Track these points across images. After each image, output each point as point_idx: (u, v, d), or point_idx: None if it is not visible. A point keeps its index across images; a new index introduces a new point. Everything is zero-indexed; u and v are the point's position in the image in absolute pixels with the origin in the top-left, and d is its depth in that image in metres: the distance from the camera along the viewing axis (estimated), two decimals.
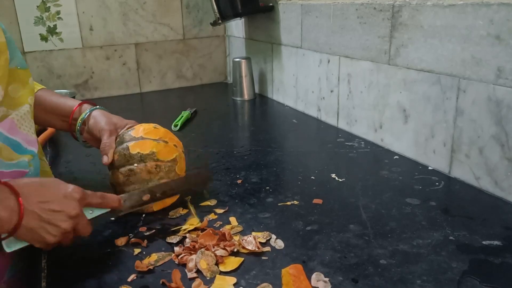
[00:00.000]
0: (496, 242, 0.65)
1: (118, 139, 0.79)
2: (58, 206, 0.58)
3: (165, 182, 0.76)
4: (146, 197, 0.72)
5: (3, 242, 0.56)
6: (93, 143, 0.84)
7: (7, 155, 0.63)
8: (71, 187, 0.61)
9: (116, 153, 0.77)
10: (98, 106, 0.85)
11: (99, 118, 0.81)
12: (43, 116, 0.84)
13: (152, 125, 0.81)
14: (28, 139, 0.67)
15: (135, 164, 0.74)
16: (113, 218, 0.75)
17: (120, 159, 0.76)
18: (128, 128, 0.81)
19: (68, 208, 0.59)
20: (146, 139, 0.77)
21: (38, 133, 1.13)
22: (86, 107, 0.84)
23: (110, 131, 0.79)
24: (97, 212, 0.65)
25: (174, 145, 0.79)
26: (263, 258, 0.63)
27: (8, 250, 0.57)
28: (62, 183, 0.61)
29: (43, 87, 0.87)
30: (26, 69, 0.72)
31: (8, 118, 0.64)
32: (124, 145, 0.76)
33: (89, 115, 0.83)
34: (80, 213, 0.60)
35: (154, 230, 0.71)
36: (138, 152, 0.75)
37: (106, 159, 0.76)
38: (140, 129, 0.79)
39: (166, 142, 0.78)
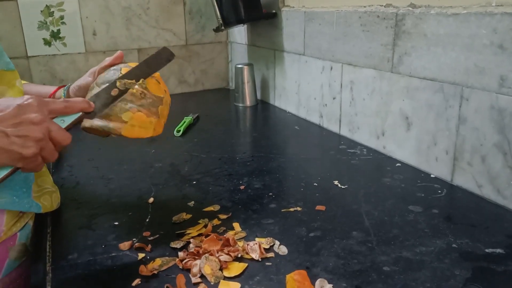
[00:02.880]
0: (498, 250, 0.65)
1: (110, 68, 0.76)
2: (18, 118, 0.55)
3: (128, 70, 0.72)
4: (114, 92, 0.68)
5: None
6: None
7: None
8: (25, 97, 0.57)
9: (106, 72, 0.74)
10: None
11: (77, 83, 0.80)
12: None
13: (134, 63, 0.78)
14: None
15: (122, 83, 0.70)
16: (116, 223, 0.75)
17: (108, 77, 0.73)
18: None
19: (29, 115, 0.56)
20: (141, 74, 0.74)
21: None
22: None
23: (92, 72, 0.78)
24: (69, 120, 0.62)
25: (165, 90, 0.77)
26: (266, 264, 0.63)
27: None
28: (14, 98, 0.58)
29: (26, 82, 0.87)
30: (13, 71, 0.72)
31: None
32: (118, 67, 0.74)
33: (68, 90, 0.82)
34: (45, 118, 0.57)
35: (158, 235, 0.72)
36: (129, 77, 0.72)
37: (115, 57, 0.75)
38: (137, 63, 0.77)
39: (159, 82, 0.76)
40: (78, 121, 0.65)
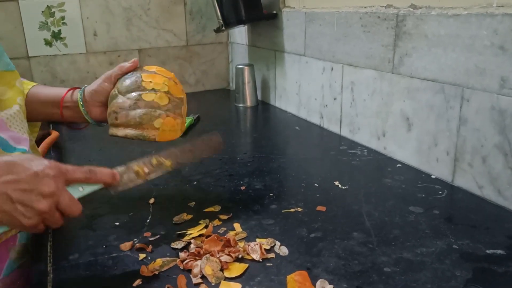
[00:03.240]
0: (499, 251, 0.65)
1: (127, 74, 0.79)
2: (29, 185, 0.52)
3: (169, 150, 0.72)
4: (147, 168, 0.66)
5: None
6: (105, 114, 0.80)
7: None
8: (45, 163, 0.55)
9: (126, 79, 0.77)
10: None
11: (92, 87, 0.80)
12: (41, 109, 0.82)
13: (163, 69, 0.82)
14: (17, 137, 0.66)
15: (146, 91, 0.74)
16: (117, 223, 0.75)
17: (129, 84, 0.75)
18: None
19: (41, 186, 0.53)
20: (159, 74, 0.78)
21: (41, 139, 1.14)
22: (77, 90, 0.82)
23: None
24: (88, 189, 0.60)
25: (182, 90, 0.82)
26: (267, 264, 0.63)
27: None
28: (36, 159, 0.55)
29: (36, 83, 0.86)
30: (13, 71, 0.72)
31: None
32: (138, 73, 0.77)
33: (84, 92, 0.80)
34: (57, 190, 0.54)
35: (158, 236, 0.72)
36: (151, 81, 0.75)
37: (131, 63, 0.78)
38: (153, 67, 0.80)
39: (176, 83, 0.80)
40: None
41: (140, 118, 0.73)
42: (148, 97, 0.74)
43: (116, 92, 0.76)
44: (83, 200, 0.60)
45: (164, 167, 0.68)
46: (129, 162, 0.67)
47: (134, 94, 0.74)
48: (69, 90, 0.83)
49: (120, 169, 0.65)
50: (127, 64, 0.78)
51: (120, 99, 0.75)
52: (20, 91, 0.71)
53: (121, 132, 0.75)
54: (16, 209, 0.52)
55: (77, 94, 0.81)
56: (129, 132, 0.74)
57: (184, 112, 0.80)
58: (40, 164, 0.54)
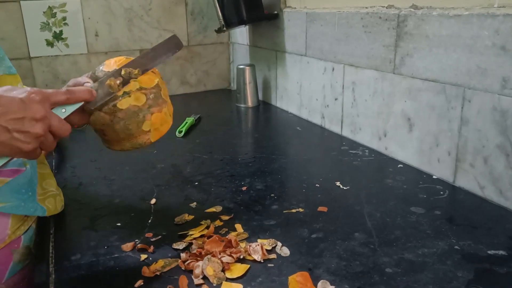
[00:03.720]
0: (501, 252, 0.65)
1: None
2: (20, 113, 0.54)
3: (133, 59, 0.71)
4: (118, 79, 0.67)
5: None
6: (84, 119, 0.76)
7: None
8: (27, 89, 0.57)
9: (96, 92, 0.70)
10: None
11: (75, 82, 0.75)
12: None
13: (122, 56, 0.74)
14: None
15: (119, 98, 0.68)
16: (119, 224, 0.76)
17: (101, 98, 0.68)
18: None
19: (31, 111, 0.55)
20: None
21: None
22: None
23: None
24: (70, 109, 0.62)
25: (152, 72, 0.74)
26: (269, 265, 0.63)
27: None
28: (15, 88, 0.57)
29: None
30: (15, 75, 0.72)
31: None
32: (101, 79, 0.69)
33: None
34: (47, 113, 0.57)
35: (160, 236, 0.72)
36: (118, 85, 0.68)
37: (90, 89, 0.66)
38: (112, 62, 0.72)
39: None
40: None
41: (127, 129, 0.69)
42: (124, 104, 0.68)
43: (91, 108, 0.69)
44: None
45: (133, 75, 0.69)
46: (101, 78, 0.68)
47: (108, 106, 0.68)
48: None
49: (93, 85, 0.66)
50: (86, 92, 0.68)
51: (98, 115, 0.69)
52: None
53: (116, 147, 0.72)
54: (14, 138, 0.54)
55: None
56: (124, 145, 0.71)
57: (165, 95, 0.74)
58: (23, 91, 0.56)
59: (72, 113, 0.71)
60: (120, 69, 0.68)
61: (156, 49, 0.72)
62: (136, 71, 0.69)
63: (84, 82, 0.67)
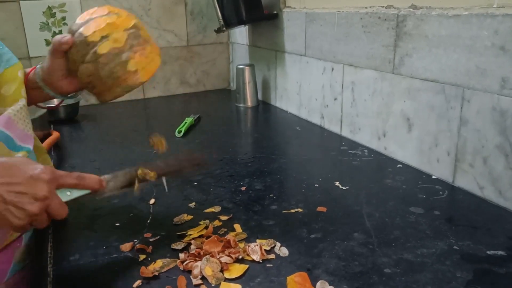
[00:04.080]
0: (500, 252, 0.65)
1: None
2: (24, 188, 0.54)
3: (153, 164, 0.71)
4: (131, 177, 0.68)
5: None
6: (73, 85, 0.76)
7: (0, 151, 0.62)
8: (39, 167, 0.56)
9: (72, 47, 0.69)
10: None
11: (46, 64, 0.74)
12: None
13: (95, 7, 0.73)
14: (23, 135, 0.66)
15: (98, 44, 0.67)
16: (117, 224, 0.75)
17: (79, 50, 0.68)
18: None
19: (35, 189, 0.54)
20: (95, 17, 0.69)
21: (43, 139, 1.14)
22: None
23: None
24: (76, 194, 0.61)
25: (128, 15, 0.73)
26: (267, 265, 0.63)
27: None
28: (31, 163, 0.57)
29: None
30: (14, 65, 0.70)
31: (5, 113, 0.64)
32: (76, 33, 0.68)
33: (41, 74, 0.76)
34: (49, 195, 0.56)
35: (159, 236, 0.72)
36: (94, 31, 0.67)
37: (65, 38, 0.67)
38: (84, 14, 0.71)
39: (117, 13, 0.71)
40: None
41: (113, 73, 0.68)
42: (104, 48, 0.66)
43: (73, 64, 0.70)
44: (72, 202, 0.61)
45: (148, 177, 0.69)
46: (116, 171, 0.68)
47: (89, 55, 0.67)
48: (31, 71, 0.78)
49: (107, 176, 0.66)
50: (62, 39, 0.69)
51: (82, 68, 0.69)
52: (21, 81, 0.70)
53: (109, 96, 0.71)
54: (7, 210, 0.53)
55: (35, 77, 0.76)
56: (116, 91, 0.70)
57: (145, 34, 0.72)
58: (36, 168, 0.56)
59: (60, 81, 0.72)
60: (136, 168, 0.68)
61: (179, 161, 0.74)
62: (152, 174, 0.69)
63: (62, 37, 0.67)
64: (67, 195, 0.60)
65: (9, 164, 0.55)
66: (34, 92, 0.76)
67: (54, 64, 0.72)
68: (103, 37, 0.67)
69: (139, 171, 0.68)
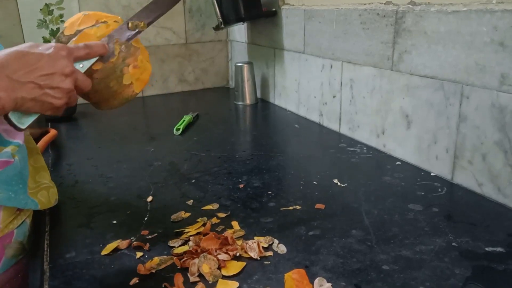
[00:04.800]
0: (499, 249, 0.65)
1: None
2: (50, 69, 0.56)
3: (135, 14, 0.73)
4: (127, 30, 0.70)
5: (15, 121, 0.56)
6: None
7: None
8: (51, 46, 0.58)
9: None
10: None
11: None
12: None
13: (79, 14, 0.72)
14: (10, 130, 0.66)
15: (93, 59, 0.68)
16: (114, 221, 0.75)
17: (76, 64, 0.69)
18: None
19: (60, 67, 0.57)
20: (83, 29, 0.70)
21: (40, 137, 1.14)
22: None
23: None
24: (87, 64, 0.64)
25: (115, 21, 0.73)
26: (265, 262, 0.63)
27: (22, 126, 0.57)
28: (40, 44, 0.58)
29: None
30: None
31: None
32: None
33: None
34: (74, 68, 0.59)
35: (156, 234, 0.71)
36: None
37: (103, 42, 0.68)
38: (69, 24, 0.71)
39: (105, 22, 0.72)
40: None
41: (109, 87, 0.69)
42: (98, 64, 0.68)
43: (104, 62, 0.70)
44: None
45: (139, 28, 0.71)
46: (110, 32, 0.70)
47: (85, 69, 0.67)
48: None
49: (104, 39, 0.68)
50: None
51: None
52: None
53: (105, 107, 0.73)
54: (46, 93, 0.56)
55: None
56: (112, 103, 0.72)
57: (136, 42, 0.72)
58: (50, 47, 0.58)
59: None
60: (127, 23, 0.70)
61: (156, 2, 0.75)
62: (142, 24, 0.71)
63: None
64: (81, 68, 0.63)
65: (24, 53, 0.56)
66: None
67: None
68: (142, 26, 0.71)
69: (130, 25, 0.70)
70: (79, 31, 0.69)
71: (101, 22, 0.71)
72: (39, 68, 0.55)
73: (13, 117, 0.56)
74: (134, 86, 0.72)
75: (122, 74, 0.70)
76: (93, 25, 0.70)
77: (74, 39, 0.69)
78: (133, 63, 0.71)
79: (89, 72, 0.67)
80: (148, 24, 0.73)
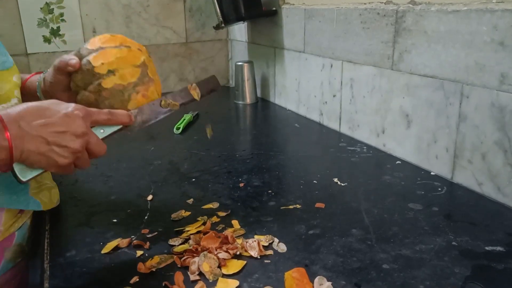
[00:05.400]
0: (499, 248, 0.65)
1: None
2: (63, 127, 0.56)
3: (171, 93, 0.74)
4: (157, 109, 0.70)
5: (17, 172, 0.56)
6: (72, 99, 0.75)
7: None
8: (72, 105, 0.59)
9: (77, 72, 0.68)
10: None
11: (48, 77, 0.74)
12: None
13: (107, 34, 0.73)
14: None
15: (104, 77, 0.67)
16: (115, 220, 0.75)
17: (84, 77, 0.68)
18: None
19: (73, 127, 0.57)
20: (106, 48, 0.69)
21: None
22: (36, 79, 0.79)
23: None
24: (109, 130, 0.64)
25: (138, 49, 0.72)
26: (265, 261, 0.63)
27: (24, 179, 0.56)
28: (62, 102, 0.59)
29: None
30: (9, 69, 0.70)
31: None
32: (84, 60, 0.68)
33: (43, 83, 0.75)
34: (87, 130, 0.59)
35: (156, 232, 0.71)
36: (103, 63, 0.67)
37: (73, 60, 0.67)
38: (96, 40, 0.70)
39: (129, 47, 0.71)
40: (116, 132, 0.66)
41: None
42: (108, 83, 0.67)
43: (75, 87, 0.69)
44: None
45: (171, 107, 0.72)
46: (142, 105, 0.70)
47: (93, 85, 0.67)
48: (32, 75, 0.79)
49: (133, 111, 0.68)
50: (70, 62, 0.68)
51: (83, 94, 0.68)
52: (17, 84, 0.70)
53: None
54: (52, 150, 0.56)
55: (34, 86, 0.77)
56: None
57: (152, 73, 0.72)
58: (69, 106, 0.58)
59: (58, 93, 0.73)
60: (160, 100, 0.70)
61: (199, 84, 0.76)
62: (175, 103, 0.72)
63: (70, 59, 0.67)
64: (101, 133, 0.63)
65: (42, 107, 0.57)
66: (31, 100, 0.73)
67: (56, 80, 0.72)
68: (110, 71, 0.67)
69: (163, 102, 0.71)
70: (101, 48, 0.69)
71: (125, 46, 0.70)
72: (52, 124, 0.56)
73: (16, 168, 0.56)
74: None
75: (129, 99, 0.69)
76: (116, 46, 0.69)
77: (94, 54, 0.68)
78: (143, 92, 0.70)
79: (98, 90, 0.67)
80: (181, 105, 0.73)
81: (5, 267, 0.68)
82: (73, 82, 0.70)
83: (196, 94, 0.75)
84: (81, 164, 0.60)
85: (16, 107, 0.56)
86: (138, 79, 0.69)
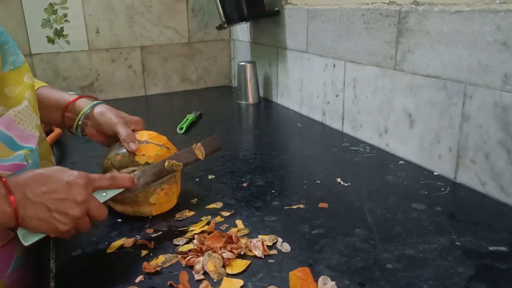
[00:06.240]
0: (502, 248, 0.65)
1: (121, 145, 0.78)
2: (63, 194, 0.58)
3: (174, 153, 0.77)
4: (160, 172, 0.73)
5: (20, 237, 0.57)
6: (97, 138, 0.84)
7: (1, 151, 0.63)
8: (74, 173, 0.61)
9: (119, 154, 0.76)
10: (99, 101, 0.84)
11: (108, 113, 0.81)
12: (45, 113, 0.80)
13: (155, 132, 0.81)
14: (24, 135, 0.66)
15: (140, 167, 0.74)
16: (119, 220, 0.76)
17: (123, 160, 0.75)
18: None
19: (74, 194, 0.59)
20: (150, 143, 0.77)
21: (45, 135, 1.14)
22: (86, 102, 0.83)
23: (124, 123, 0.79)
24: (111, 194, 0.66)
25: (173, 151, 0.80)
26: (269, 261, 0.63)
27: (25, 243, 0.58)
28: (66, 170, 0.61)
29: (45, 84, 0.86)
30: (20, 67, 0.71)
31: (6, 114, 0.64)
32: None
33: (92, 110, 0.82)
34: (88, 197, 0.61)
35: (160, 232, 0.72)
36: (144, 154, 0.75)
37: (134, 146, 0.75)
38: (145, 133, 0.79)
39: (169, 149, 0.79)
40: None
41: (135, 197, 0.74)
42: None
43: (110, 164, 0.76)
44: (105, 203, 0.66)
45: (175, 168, 0.75)
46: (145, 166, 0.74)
47: (127, 169, 0.74)
48: (78, 98, 0.83)
49: (136, 173, 0.72)
50: (131, 145, 0.76)
51: (113, 170, 0.75)
52: (28, 85, 0.70)
53: (118, 207, 0.76)
54: (53, 217, 0.58)
55: (83, 107, 0.82)
56: (127, 209, 0.75)
57: (178, 176, 0.80)
58: (71, 174, 0.60)
59: (92, 132, 0.83)
60: (164, 161, 0.74)
61: (205, 143, 0.79)
62: (178, 164, 0.75)
63: (132, 141, 0.76)
64: (103, 196, 0.65)
65: (45, 174, 0.59)
66: (64, 118, 0.83)
67: (106, 125, 0.80)
68: (147, 164, 0.74)
69: (166, 164, 0.74)
70: (146, 142, 0.77)
71: (166, 146, 0.79)
72: (53, 192, 0.58)
73: (19, 232, 0.58)
74: (154, 208, 0.76)
75: (153, 192, 0.75)
76: (159, 144, 0.78)
77: (140, 144, 0.76)
78: (166, 190, 0.76)
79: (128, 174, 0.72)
80: (185, 166, 0.77)
81: (17, 264, 0.69)
82: (108, 160, 0.77)
83: (200, 153, 0.78)
84: (81, 228, 0.62)
85: (22, 174, 0.58)
86: (167, 178, 0.76)
